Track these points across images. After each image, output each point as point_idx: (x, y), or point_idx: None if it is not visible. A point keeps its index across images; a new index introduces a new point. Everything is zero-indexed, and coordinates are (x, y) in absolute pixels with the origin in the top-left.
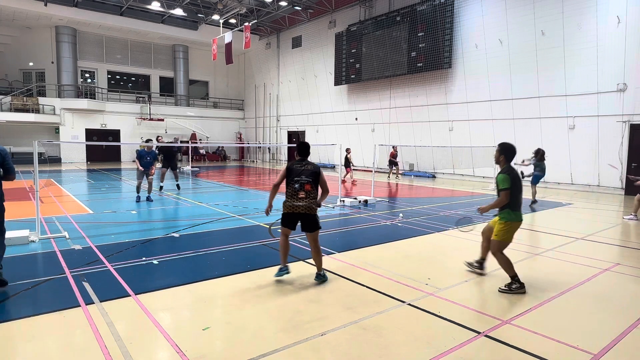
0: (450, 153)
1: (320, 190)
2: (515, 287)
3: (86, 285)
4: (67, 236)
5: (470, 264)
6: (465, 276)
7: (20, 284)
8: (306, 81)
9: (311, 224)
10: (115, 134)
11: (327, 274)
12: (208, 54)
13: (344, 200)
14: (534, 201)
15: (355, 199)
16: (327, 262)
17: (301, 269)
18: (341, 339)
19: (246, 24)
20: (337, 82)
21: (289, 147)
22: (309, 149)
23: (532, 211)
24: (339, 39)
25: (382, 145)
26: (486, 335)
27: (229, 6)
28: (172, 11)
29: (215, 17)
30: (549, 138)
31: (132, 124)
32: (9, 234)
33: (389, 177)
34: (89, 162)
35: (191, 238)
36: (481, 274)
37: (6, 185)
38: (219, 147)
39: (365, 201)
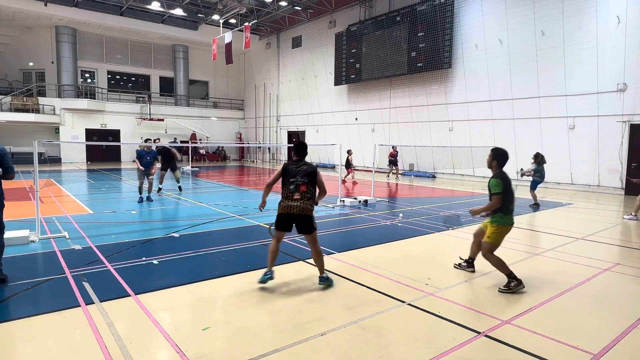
0: (450, 153)
1: (317, 191)
2: (514, 284)
3: (86, 285)
4: (67, 236)
5: (458, 265)
6: (465, 276)
7: (20, 284)
8: (306, 81)
9: (307, 225)
10: (115, 134)
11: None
12: (208, 54)
13: (344, 200)
14: (536, 204)
15: (355, 199)
16: (327, 262)
17: (301, 269)
18: (341, 339)
19: (246, 24)
20: (337, 82)
21: (289, 147)
22: (306, 149)
23: (533, 211)
24: (339, 39)
25: (382, 145)
26: (486, 335)
27: (229, 6)
28: (172, 11)
29: (215, 17)
30: (549, 138)
31: (132, 124)
32: (9, 234)
33: (388, 176)
34: (89, 162)
35: (191, 238)
36: (472, 272)
37: (6, 185)
38: (218, 147)
39: (365, 201)
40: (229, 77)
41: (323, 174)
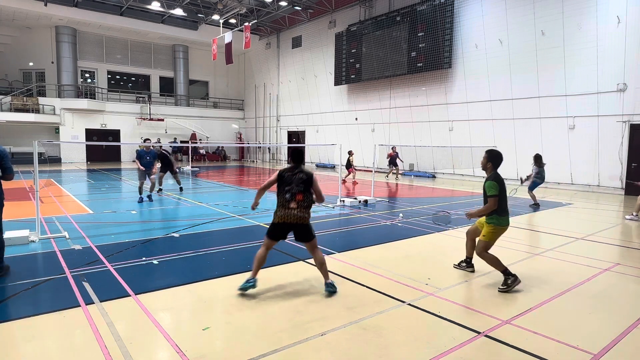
0: (450, 153)
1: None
2: (511, 280)
3: (86, 285)
4: (67, 236)
5: (458, 265)
6: (465, 276)
7: (20, 284)
8: (306, 81)
9: (305, 234)
10: (115, 134)
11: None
12: (208, 54)
13: (344, 200)
14: (536, 204)
15: (355, 199)
16: (328, 262)
17: (301, 269)
18: (341, 339)
19: (246, 24)
20: (337, 82)
21: (289, 147)
22: (303, 155)
23: (533, 211)
24: (339, 39)
25: (382, 145)
26: (486, 335)
27: (229, 6)
28: (172, 11)
29: (215, 17)
30: (549, 138)
31: (132, 124)
32: (9, 234)
33: (387, 176)
34: (89, 162)
35: (191, 238)
36: (471, 272)
37: (6, 185)
38: (218, 147)
39: (365, 201)
40: (229, 77)
41: (323, 174)
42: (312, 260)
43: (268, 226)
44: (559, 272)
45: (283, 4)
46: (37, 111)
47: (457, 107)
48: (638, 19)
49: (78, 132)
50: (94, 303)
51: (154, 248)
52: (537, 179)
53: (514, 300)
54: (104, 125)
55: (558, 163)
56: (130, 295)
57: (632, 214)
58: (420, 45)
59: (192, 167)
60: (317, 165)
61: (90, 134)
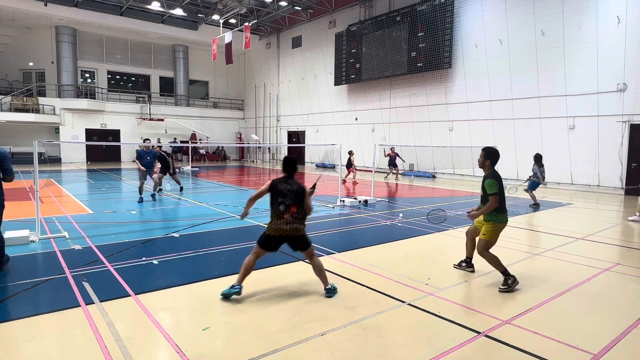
0: (450, 153)
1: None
2: (512, 281)
3: (86, 285)
4: (67, 236)
5: (458, 265)
6: (465, 276)
7: (20, 284)
8: (306, 81)
9: (301, 244)
10: (115, 134)
11: (327, 274)
12: (208, 54)
13: (344, 200)
14: (536, 204)
15: (355, 199)
16: (328, 262)
17: (301, 269)
18: (341, 339)
19: (246, 24)
20: (337, 82)
21: (289, 147)
22: (296, 165)
23: (533, 211)
24: (339, 39)
25: (382, 145)
26: (486, 335)
27: (229, 6)
28: (172, 11)
29: (215, 17)
30: (549, 138)
31: (132, 124)
32: (9, 234)
33: (386, 177)
34: (89, 162)
35: (191, 238)
36: (471, 272)
37: (6, 185)
38: (218, 147)
39: (365, 201)
40: (229, 77)
41: (323, 174)
42: None
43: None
44: (559, 272)
45: (283, 4)
46: (37, 111)
47: (457, 107)
48: (638, 19)
49: (78, 132)
50: (94, 303)
51: (154, 248)
52: (537, 178)
53: (514, 300)
54: (104, 125)
55: (558, 163)
56: (130, 295)
57: (636, 215)
58: (420, 45)
59: (192, 167)
60: (317, 165)
61: (90, 134)
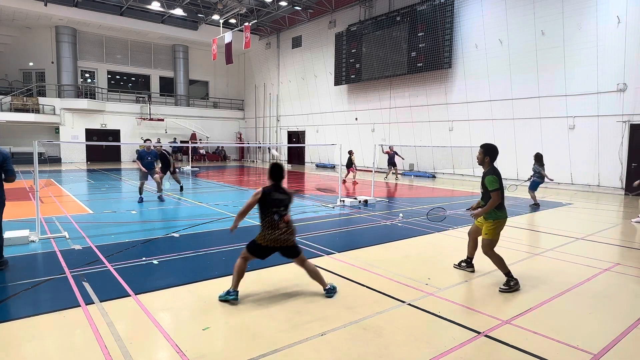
0: (450, 153)
1: None
2: (513, 283)
3: (86, 285)
4: (67, 236)
5: (458, 265)
6: (465, 276)
7: (20, 284)
8: (306, 81)
9: (292, 252)
10: (115, 134)
11: (327, 274)
12: (208, 54)
13: (344, 200)
14: (536, 204)
15: (355, 199)
16: (328, 262)
17: (301, 269)
18: (341, 339)
19: (246, 24)
20: (337, 82)
21: (289, 147)
22: (283, 172)
23: (533, 211)
24: (339, 39)
25: (382, 145)
26: (486, 335)
27: (229, 6)
28: (172, 11)
29: (215, 17)
30: (549, 138)
31: (132, 124)
32: (9, 234)
33: (385, 177)
34: (89, 162)
35: (191, 238)
36: (471, 272)
37: (6, 185)
38: (218, 147)
39: (365, 201)
40: (229, 77)
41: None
42: (312, 260)
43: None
44: (559, 272)
45: (283, 4)
46: (37, 111)
47: (457, 107)
48: (638, 19)
49: (78, 132)
50: (94, 303)
51: (154, 248)
52: (538, 177)
53: (514, 300)
54: (104, 125)
55: (558, 163)
56: (130, 295)
57: (639, 216)
58: (420, 45)
59: (192, 167)
60: (317, 165)
61: (90, 134)
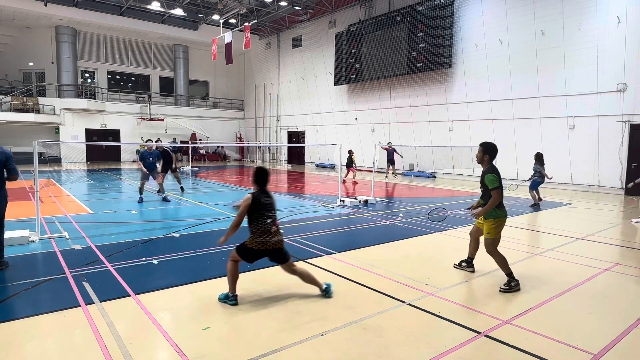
0: (450, 153)
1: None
2: (514, 284)
3: (86, 285)
4: (67, 236)
5: (458, 265)
6: (465, 276)
7: (20, 284)
8: (306, 81)
9: (284, 255)
10: (115, 134)
11: (328, 274)
12: (208, 54)
13: (344, 200)
14: (536, 204)
15: (355, 199)
16: (328, 262)
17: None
18: (341, 339)
19: (246, 24)
20: (337, 82)
21: (289, 147)
22: (269, 176)
23: (533, 211)
24: (339, 39)
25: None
26: (486, 335)
27: (229, 6)
28: (172, 11)
29: (215, 17)
30: (549, 138)
31: (132, 124)
32: (9, 234)
33: (386, 176)
34: (89, 162)
35: (191, 238)
36: (471, 272)
37: (7, 185)
38: (218, 147)
39: (365, 201)
40: (229, 77)
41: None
42: (312, 260)
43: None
44: (559, 272)
45: (283, 4)
46: (37, 111)
47: (457, 107)
48: (638, 19)
49: (78, 132)
50: (94, 303)
51: (154, 248)
52: (538, 177)
53: (514, 300)
54: (104, 125)
55: (558, 163)
56: (130, 295)
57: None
58: (420, 45)
59: (192, 167)
60: (317, 165)
61: (90, 134)
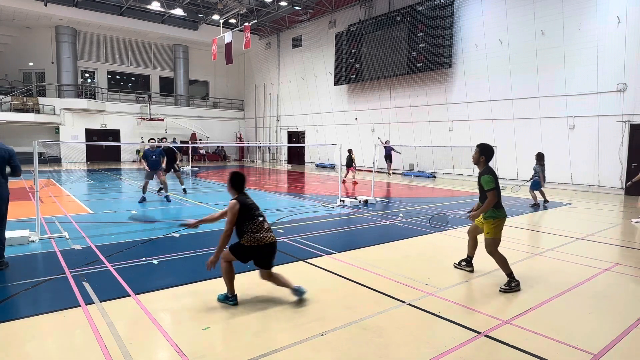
0: (450, 153)
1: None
2: (515, 284)
3: (86, 285)
4: (67, 236)
5: (458, 264)
6: (465, 276)
7: (20, 284)
8: (306, 81)
9: (274, 252)
10: (115, 134)
11: (328, 274)
12: (208, 54)
13: (344, 200)
14: (536, 204)
15: (355, 199)
16: (328, 262)
17: (301, 269)
18: (341, 339)
19: (246, 24)
20: (337, 82)
21: (289, 147)
22: (245, 180)
23: (533, 211)
24: (339, 39)
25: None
26: (486, 335)
27: (229, 6)
28: (172, 11)
29: (215, 17)
30: (549, 138)
31: (132, 124)
32: (9, 234)
33: (389, 175)
34: (89, 162)
35: (191, 238)
36: (470, 272)
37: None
38: (218, 147)
39: (365, 201)
40: (229, 77)
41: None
42: (312, 260)
43: (232, 247)
44: (559, 272)
45: (283, 4)
46: (37, 111)
47: (457, 107)
48: (638, 19)
49: (78, 132)
50: (94, 303)
51: (154, 248)
52: (538, 178)
53: (514, 300)
54: (104, 125)
55: (558, 163)
56: (130, 295)
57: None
58: (420, 45)
59: (192, 167)
60: (317, 165)
61: (90, 134)
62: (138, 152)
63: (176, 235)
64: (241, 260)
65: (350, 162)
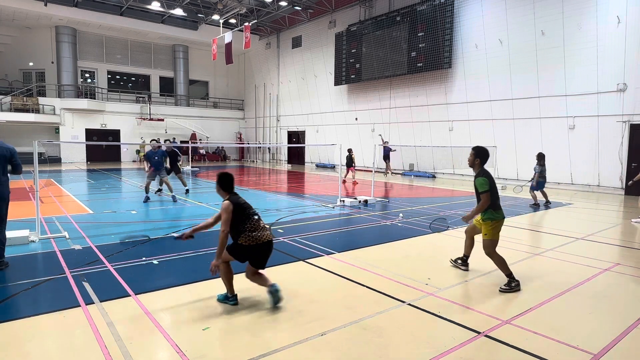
0: (450, 153)
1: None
2: (515, 284)
3: (86, 285)
4: (67, 236)
5: (454, 262)
6: (465, 276)
7: (20, 284)
8: (306, 81)
9: (270, 253)
10: (115, 134)
11: (327, 274)
12: (208, 54)
13: (344, 200)
14: (536, 204)
15: (355, 199)
16: (328, 262)
17: (301, 269)
18: (341, 339)
19: (246, 24)
20: (337, 82)
21: (289, 147)
22: (234, 181)
23: (533, 211)
24: (339, 39)
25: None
26: (486, 335)
27: (229, 6)
28: (172, 11)
29: (215, 17)
30: (549, 138)
31: (132, 124)
32: (9, 234)
33: (386, 175)
34: (89, 162)
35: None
36: (465, 270)
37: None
38: (218, 147)
39: (365, 201)
40: (229, 77)
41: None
42: (312, 260)
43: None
44: (559, 272)
45: (283, 4)
46: (37, 111)
47: (457, 107)
48: (638, 19)
49: (78, 132)
50: (94, 303)
51: (154, 248)
52: (541, 178)
53: (514, 300)
54: (104, 125)
55: (558, 163)
56: (130, 295)
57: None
58: (420, 45)
59: (192, 167)
60: (317, 165)
61: (90, 134)
62: (138, 152)
63: (176, 235)
64: (239, 260)
65: (350, 162)
